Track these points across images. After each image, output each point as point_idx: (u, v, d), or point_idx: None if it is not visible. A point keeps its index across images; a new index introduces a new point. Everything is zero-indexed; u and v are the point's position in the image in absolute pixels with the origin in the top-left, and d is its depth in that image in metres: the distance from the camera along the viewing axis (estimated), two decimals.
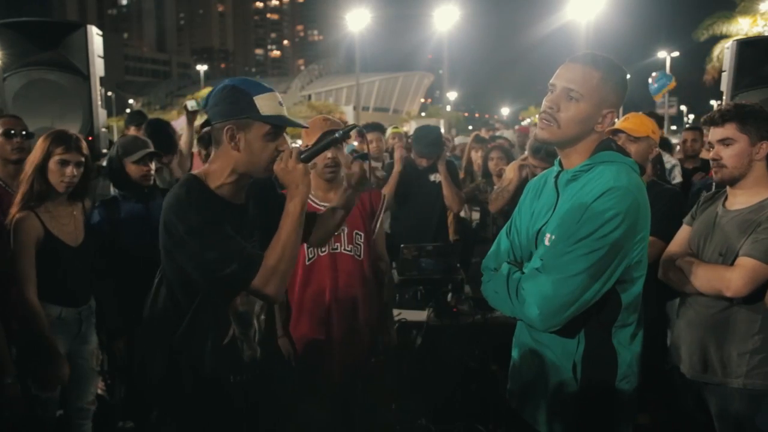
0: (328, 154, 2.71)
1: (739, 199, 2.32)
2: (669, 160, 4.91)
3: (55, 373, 2.67)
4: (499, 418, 3.31)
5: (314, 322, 2.81)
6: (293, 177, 1.83)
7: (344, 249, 2.84)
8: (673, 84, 16.69)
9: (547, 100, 1.80)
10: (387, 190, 4.21)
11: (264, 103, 1.83)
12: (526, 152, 4.05)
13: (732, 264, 2.20)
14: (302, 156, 1.86)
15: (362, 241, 2.88)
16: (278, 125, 1.86)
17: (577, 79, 1.76)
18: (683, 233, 2.50)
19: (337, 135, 1.97)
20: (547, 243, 1.79)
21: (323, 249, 2.81)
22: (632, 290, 1.79)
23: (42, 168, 2.71)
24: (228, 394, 1.99)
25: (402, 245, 3.73)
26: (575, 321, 1.73)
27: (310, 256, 2.81)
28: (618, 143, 2.87)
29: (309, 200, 2.77)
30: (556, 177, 1.89)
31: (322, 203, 2.79)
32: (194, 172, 1.95)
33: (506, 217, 2.13)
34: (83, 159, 2.78)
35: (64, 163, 2.72)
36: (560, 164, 1.90)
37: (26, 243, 2.66)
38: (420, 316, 3.52)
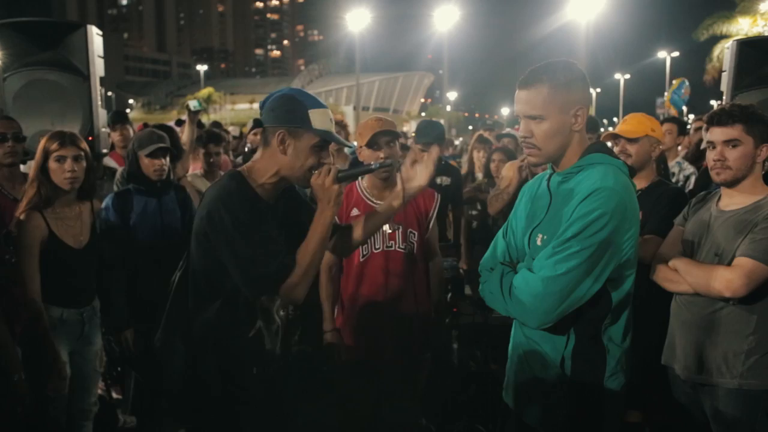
0: (382, 154, 2.79)
1: (734, 200, 2.32)
2: (687, 168, 4.77)
3: (55, 374, 2.68)
4: (500, 418, 3.32)
5: (367, 317, 2.87)
6: (328, 194, 1.95)
7: (398, 247, 2.89)
8: (675, 112, 16.62)
9: (520, 130, 1.89)
10: None
11: (316, 117, 1.95)
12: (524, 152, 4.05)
13: (729, 264, 2.20)
14: (339, 175, 1.98)
15: (415, 239, 2.92)
16: (326, 139, 1.98)
17: (530, 101, 1.82)
18: (675, 234, 2.50)
19: (372, 166, 2.13)
20: (539, 243, 1.85)
21: (377, 246, 2.87)
22: (622, 288, 1.82)
23: (44, 169, 2.72)
24: (249, 385, 2.06)
25: None
26: (566, 318, 1.77)
27: (365, 253, 2.87)
28: (618, 147, 2.89)
29: (364, 198, 2.90)
30: (549, 179, 1.94)
31: (378, 201, 2.87)
32: (239, 168, 2.05)
33: (506, 217, 2.16)
34: (81, 153, 2.78)
35: (61, 159, 2.72)
36: (552, 167, 1.95)
37: (30, 243, 2.66)
38: None
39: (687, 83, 16.20)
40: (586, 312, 1.79)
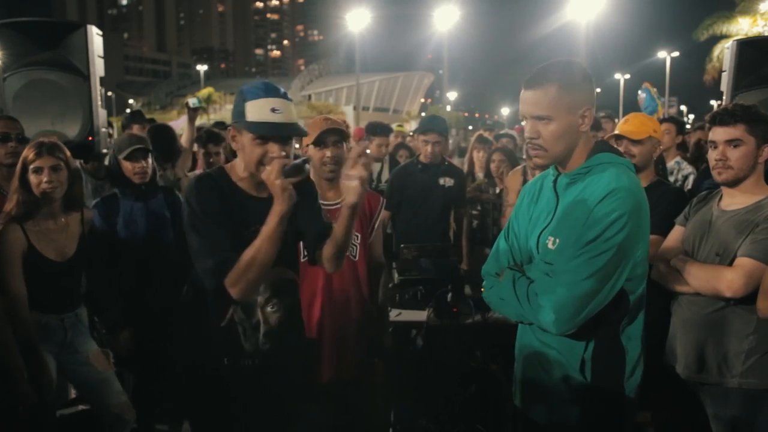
0: (328, 152, 2.70)
1: (735, 200, 2.32)
2: (685, 168, 4.78)
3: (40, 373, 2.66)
4: (500, 419, 3.31)
5: (305, 321, 2.76)
6: (274, 189, 1.85)
7: None
8: (660, 111, 16.37)
9: (526, 131, 1.84)
10: None
11: (252, 109, 1.87)
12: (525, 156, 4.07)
13: (730, 264, 2.20)
14: (285, 169, 1.86)
15: (358, 242, 2.84)
16: (255, 132, 1.88)
17: (538, 102, 1.79)
18: (676, 233, 2.50)
19: (306, 167, 1.94)
20: (550, 246, 1.81)
21: None
22: (638, 288, 1.82)
23: (24, 180, 2.68)
24: (220, 376, 2.02)
25: (402, 245, 3.72)
26: (585, 322, 1.75)
27: (304, 253, 2.79)
28: (621, 148, 2.89)
29: None
30: (555, 181, 1.91)
31: (323, 201, 2.77)
32: (224, 164, 2.06)
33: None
34: (60, 162, 2.71)
35: (38, 171, 2.67)
36: (556, 168, 1.91)
37: (10, 255, 2.63)
38: (420, 316, 3.52)
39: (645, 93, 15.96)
40: (606, 314, 1.76)
